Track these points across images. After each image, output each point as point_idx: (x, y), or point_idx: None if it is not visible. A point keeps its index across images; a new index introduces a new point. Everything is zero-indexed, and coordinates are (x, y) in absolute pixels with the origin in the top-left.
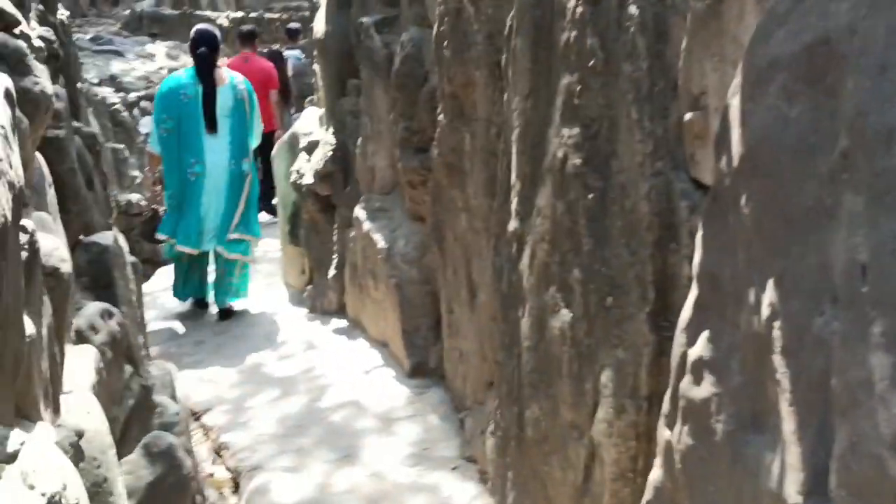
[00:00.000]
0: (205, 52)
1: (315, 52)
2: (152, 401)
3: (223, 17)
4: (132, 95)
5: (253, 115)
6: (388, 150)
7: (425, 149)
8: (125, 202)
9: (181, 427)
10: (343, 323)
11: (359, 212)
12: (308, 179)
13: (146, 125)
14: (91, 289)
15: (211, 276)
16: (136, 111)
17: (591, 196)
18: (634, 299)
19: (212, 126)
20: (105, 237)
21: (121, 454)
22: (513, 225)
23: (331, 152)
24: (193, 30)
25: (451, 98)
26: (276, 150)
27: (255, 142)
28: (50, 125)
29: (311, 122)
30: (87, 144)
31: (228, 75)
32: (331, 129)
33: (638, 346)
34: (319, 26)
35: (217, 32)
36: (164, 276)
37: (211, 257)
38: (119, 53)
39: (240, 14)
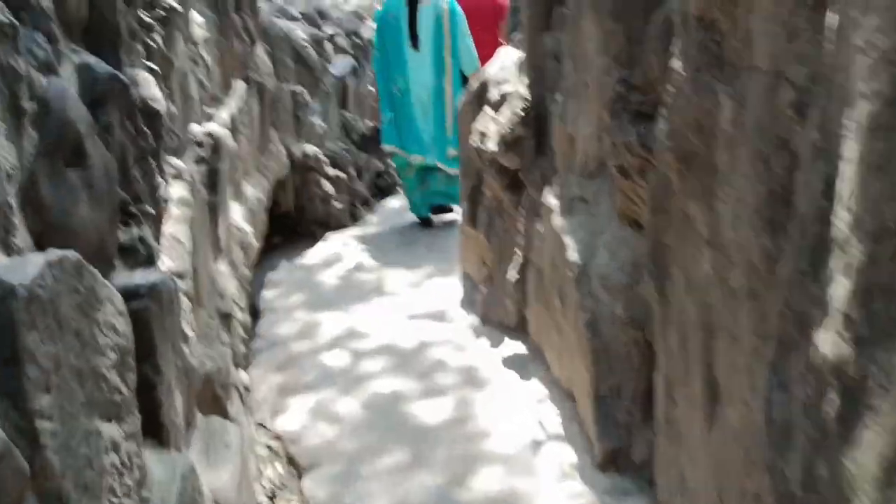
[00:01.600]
0: None
1: None
2: None
3: None
4: (328, 31)
5: (457, 37)
6: (598, 113)
7: (650, 115)
8: (301, 154)
9: None
10: (520, 347)
11: (549, 198)
12: (492, 146)
13: (340, 67)
14: None
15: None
16: (328, 47)
17: None
18: None
19: (414, 42)
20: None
21: None
22: (832, 338)
23: (522, 111)
24: None
25: (698, 27)
26: (461, 103)
27: (466, 68)
28: None
29: (507, 68)
30: (102, 84)
31: None
32: (526, 79)
33: None
34: None
35: None
36: (328, 246)
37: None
38: None
39: None
